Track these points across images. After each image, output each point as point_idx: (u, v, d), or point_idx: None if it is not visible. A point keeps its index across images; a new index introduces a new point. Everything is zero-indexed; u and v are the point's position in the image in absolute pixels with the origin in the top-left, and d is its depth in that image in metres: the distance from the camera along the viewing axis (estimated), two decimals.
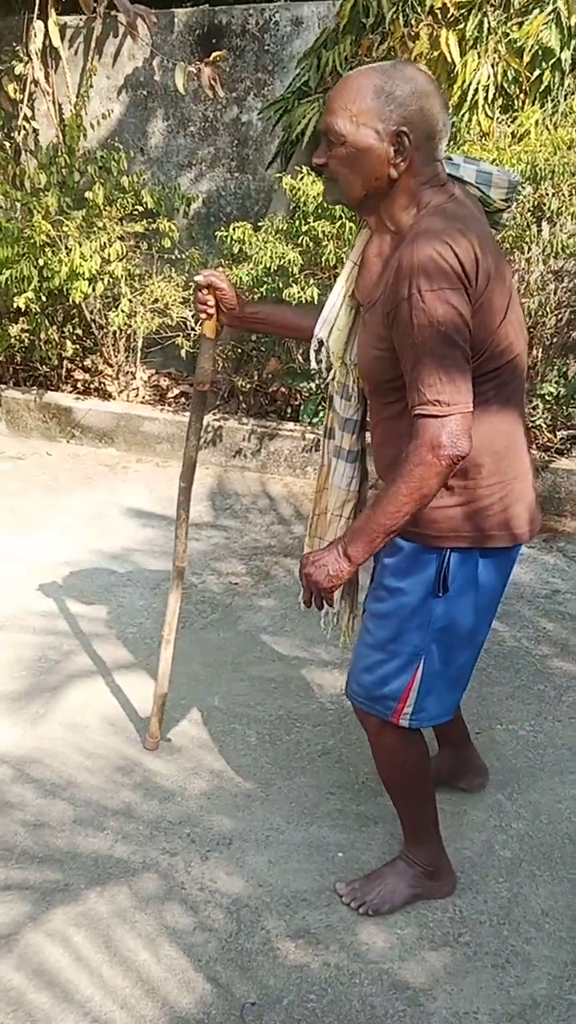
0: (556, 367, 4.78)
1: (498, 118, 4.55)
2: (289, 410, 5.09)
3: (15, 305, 4.87)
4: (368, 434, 2.13)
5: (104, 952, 2.12)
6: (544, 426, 4.58)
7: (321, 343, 2.05)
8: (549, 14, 4.33)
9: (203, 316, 2.34)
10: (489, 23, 4.39)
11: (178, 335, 5.05)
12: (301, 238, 4.43)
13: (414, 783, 2.19)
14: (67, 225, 4.82)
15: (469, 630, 2.00)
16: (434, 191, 1.80)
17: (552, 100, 4.49)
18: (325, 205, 4.31)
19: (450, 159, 1.92)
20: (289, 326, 2.30)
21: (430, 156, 1.78)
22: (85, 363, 5.65)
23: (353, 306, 2.00)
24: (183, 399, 5.41)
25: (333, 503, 2.19)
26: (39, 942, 2.14)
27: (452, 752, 2.58)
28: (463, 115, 4.50)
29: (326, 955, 2.12)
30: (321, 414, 4.76)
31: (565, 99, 4.50)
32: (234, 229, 4.71)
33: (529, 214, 4.41)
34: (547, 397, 4.49)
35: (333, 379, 2.12)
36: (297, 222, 4.48)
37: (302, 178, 4.42)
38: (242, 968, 2.09)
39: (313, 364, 2.11)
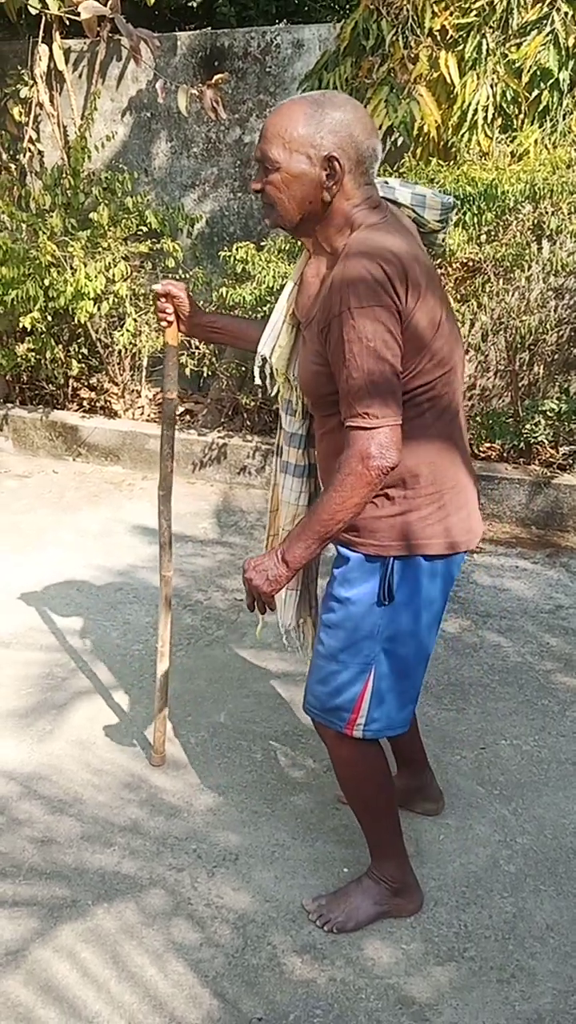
0: (557, 383, 4.81)
1: (497, 138, 4.61)
2: None
3: (21, 325, 4.93)
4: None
5: (111, 968, 2.14)
6: (546, 442, 4.61)
7: (264, 360, 2.13)
8: (547, 35, 4.39)
9: (163, 324, 2.45)
10: (488, 44, 4.46)
11: (183, 353, 5.09)
12: None
13: (375, 796, 2.20)
14: (72, 246, 4.88)
15: (417, 638, 2.05)
16: (367, 213, 1.87)
17: (551, 120, 4.55)
18: None
19: (386, 182, 2.00)
20: (243, 337, 2.36)
21: (361, 180, 1.86)
22: (91, 381, 5.70)
23: (294, 324, 2.07)
24: (188, 416, 5.45)
25: (284, 519, 2.24)
26: (47, 958, 2.16)
27: (409, 775, 2.59)
28: (462, 135, 4.56)
29: (332, 970, 2.14)
30: None
31: (564, 119, 4.56)
32: (237, 249, 4.77)
33: (529, 232, 4.45)
34: (549, 413, 4.52)
35: (278, 395, 2.19)
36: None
37: None
38: (249, 984, 2.10)
39: (257, 379, 2.18)
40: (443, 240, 2.16)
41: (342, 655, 2.04)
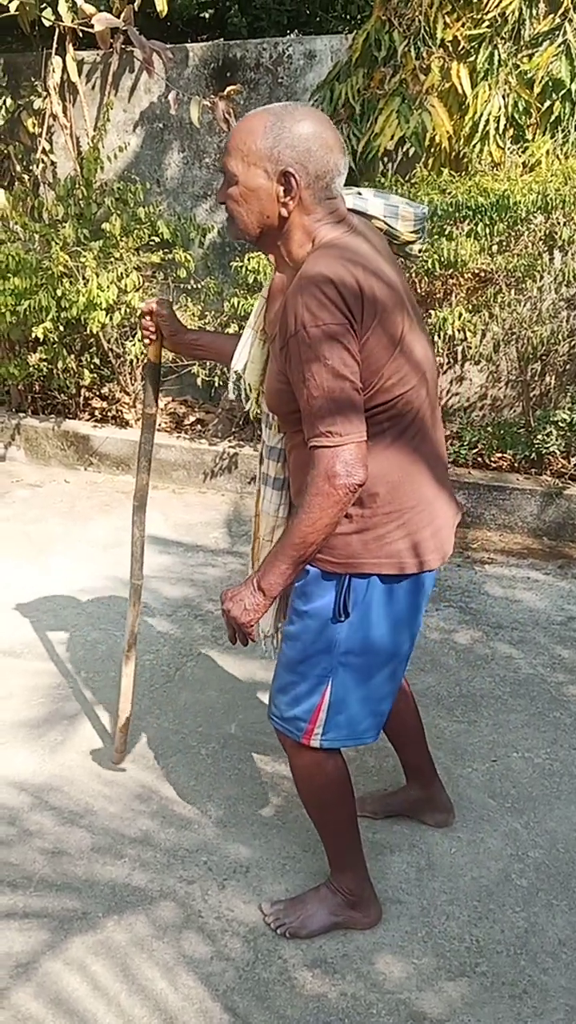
0: (569, 394, 4.80)
1: (509, 148, 4.60)
2: None
3: (33, 335, 4.94)
4: None
5: (122, 981, 2.13)
6: (558, 452, 4.60)
7: (238, 375, 2.14)
8: (559, 46, 4.39)
9: (147, 342, 2.49)
10: (500, 55, 4.46)
11: (194, 364, 5.10)
12: None
13: (334, 806, 2.19)
14: (84, 256, 4.89)
15: (377, 655, 2.03)
16: (329, 227, 1.86)
17: (562, 130, 4.54)
18: None
19: (359, 193, 1.99)
20: (225, 353, 2.36)
21: (322, 195, 1.83)
22: (103, 391, 5.72)
23: (265, 339, 2.07)
24: (199, 426, 5.46)
25: (264, 529, 2.24)
26: (57, 970, 2.16)
27: (418, 786, 2.60)
28: (474, 145, 4.56)
29: (343, 985, 2.13)
30: None
31: (575, 130, 4.54)
32: (249, 259, 4.78)
33: (541, 243, 4.45)
34: (560, 424, 4.51)
35: (253, 409, 2.21)
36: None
37: None
38: (259, 998, 2.09)
39: (231, 394, 2.21)
40: (419, 251, 2.15)
41: (299, 667, 2.05)
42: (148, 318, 2.44)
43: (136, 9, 5.10)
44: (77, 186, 5.42)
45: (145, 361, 2.60)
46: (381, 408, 1.85)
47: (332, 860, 2.27)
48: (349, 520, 1.91)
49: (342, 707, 2.06)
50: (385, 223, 2.01)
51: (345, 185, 1.92)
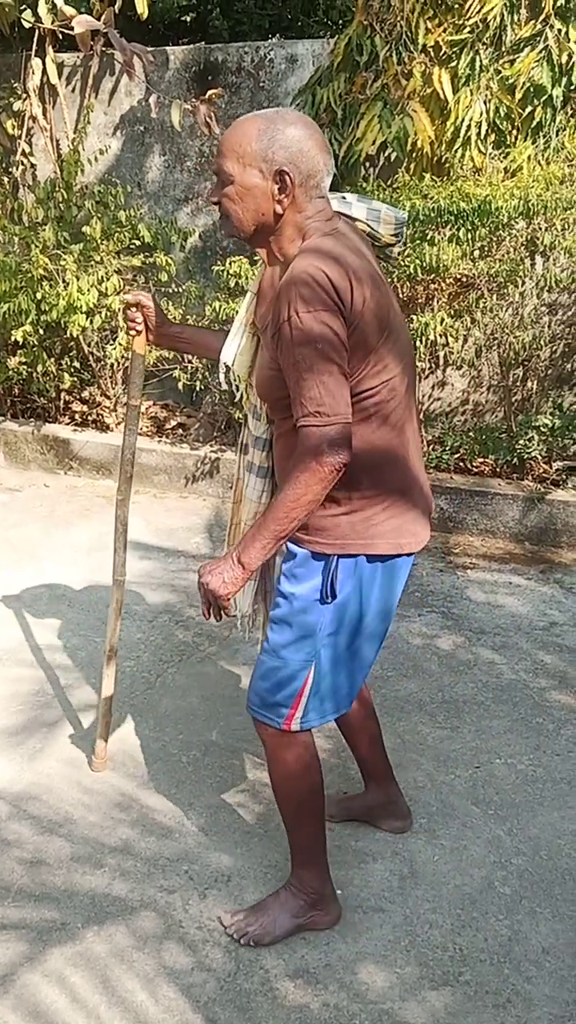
0: (551, 399, 4.81)
1: (491, 154, 4.61)
2: None
3: (13, 338, 4.90)
4: None
5: (102, 993, 2.10)
6: (540, 457, 4.61)
7: (228, 367, 2.20)
8: (540, 52, 4.40)
9: (133, 333, 2.50)
10: (481, 61, 4.46)
11: (175, 367, 5.08)
12: None
13: (306, 798, 2.21)
14: (65, 259, 4.86)
15: (358, 636, 2.10)
16: (319, 224, 1.95)
17: (544, 136, 4.55)
18: None
19: (343, 197, 2.10)
20: (208, 348, 2.43)
21: (313, 193, 1.94)
22: (83, 395, 5.68)
23: (254, 333, 2.16)
24: (180, 430, 5.43)
25: (246, 515, 2.30)
26: (36, 982, 2.12)
27: (376, 791, 2.61)
28: (456, 151, 4.56)
29: (325, 995, 2.11)
30: None
31: (557, 135, 4.56)
32: (231, 263, 4.76)
33: (523, 248, 4.46)
34: (542, 428, 4.51)
35: (244, 400, 2.26)
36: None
37: None
38: (241, 1009, 2.07)
39: (223, 385, 2.25)
40: (398, 253, 2.25)
41: (284, 650, 2.09)
42: (134, 309, 2.46)
43: (116, 11, 5.08)
44: (57, 189, 5.39)
45: (130, 354, 2.59)
46: (368, 393, 1.94)
47: (297, 855, 2.27)
48: (337, 503, 1.98)
49: (322, 691, 2.11)
50: (368, 225, 2.11)
51: (329, 191, 2.01)
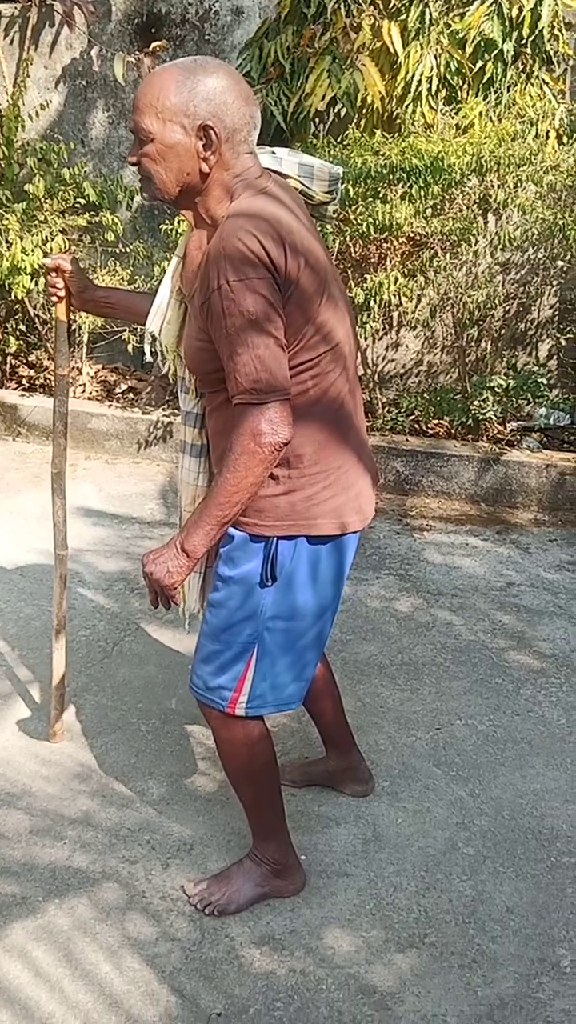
0: (505, 359, 4.80)
1: (442, 110, 4.55)
2: None
3: None
4: None
5: (65, 966, 2.07)
6: (494, 418, 4.60)
7: (154, 337, 2.08)
8: (490, 5, 4.34)
9: (54, 300, 2.40)
10: (431, 14, 4.39)
11: (124, 330, 4.98)
12: None
13: (259, 776, 2.17)
14: (7, 219, 4.73)
15: (303, 619, 2.01)
16: (247, 183, 1.83)
17: (495, 92, 4.50)
18: None
19: (273, 152, 1.98)
20: (138, 312, 2.29)
21: (240, 148, 1.82)
22: (30, 359, 5.56)
23: (181, 300, 2.03)
24: (131, 394, 5.34)
25: (185, 499, 2.19)
26: None
27: (337, 756, 2.58)
28: (407, 107, 4.49)
29: (291, 961, 2.10)
30: None
31: (508, 91, 4.51)
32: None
33: (476, 206, 4.42)
34: (496, 389, 4.50)
35: (171, 372, 2.15)
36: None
37: None
38: (207, 978, 2.05)
39: (148, 356, 2.14)
40: (333, 212, 2.13)
41: (223, 635, 2.01)
42: (54, 274, 2.35)
43: None
44: None
45: (53, 321, 2.50)
46: (306, 365, 1.84)
47: (256, 831, 2.24)
48: (276, 482, 1.89)
49: (267, 673, 2.03)
50: (300, 182, 1.99)
51: (270, 146, 1.90)
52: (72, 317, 2.70)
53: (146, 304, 2.19)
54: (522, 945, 2.15)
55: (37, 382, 5.43)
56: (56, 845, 2.40)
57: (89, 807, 2.53)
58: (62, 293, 2.38)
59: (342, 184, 2.14)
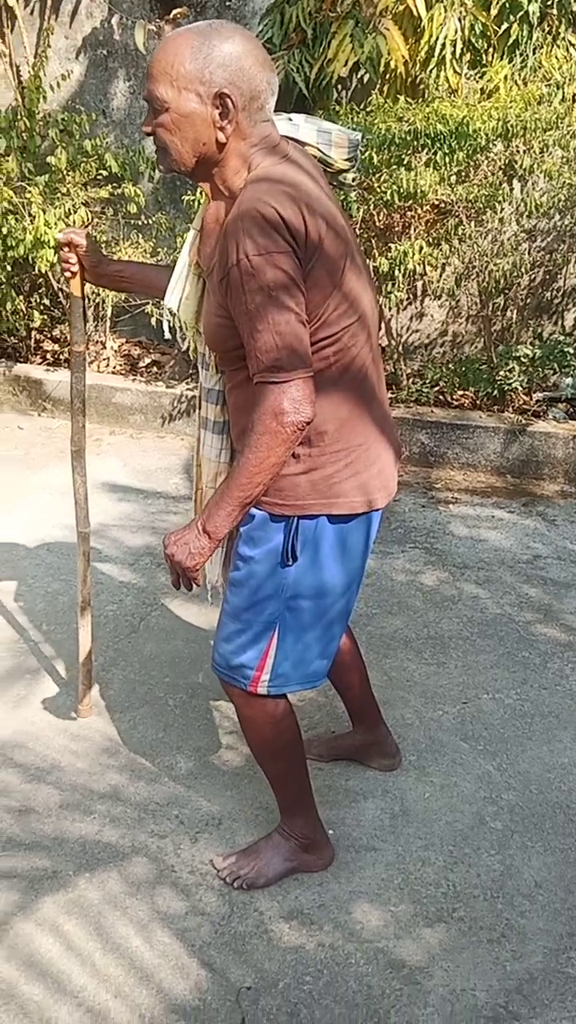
0: (531, 329, 4.74)
1: (466, 74, 4.46)
2: None
3: None
4: None
5: (96, 940, 2.10)
6: (520, 389, 4.55)
7: (172, 313, 2.03)
8: None
9: (67, 275, 2.37)
10: None
11: (147, 303, 4.96)
12: None
13: (284, 753, 2.17)
14: (30, 192, 4.70)
15: (325, 597, 1.99)
16: (265, 153, 1.77)
17: (520, 55, 4.42)
18: None
19: (290, 119, 1.91)
20: (154, 286, 2.26)
21: (257, 117, 1.75)
22: (54, 333, 5.55)
23: (199, 274, 1.97)
24: (155, 368, 5.32)
25: (206, 476, 2.16)
26: (29, 932, 2.11)
27: (363, 730, 2.58)
28: (431, 71, 4.41)
29: (320, 935, 2.11)
30: None
31: (534, 53, 4.42)
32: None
33: (501, 172, 4.35)
34: (522, 359, 4.45)
35: (192, 348, 2.11)
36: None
37: None
38: (236, 952, 2.07)
39: (167, 334, 2.10)
40: (352, 180, 2.06)
41: (245, 614, 2.00)
42: (66, 249, 2.32)
43: None
44: (19, 117, 5.18)
45: (68, 296, 2.47)
46: (328, 341, 1.80)
47: (283, 807, 2.25)
48: (297, 460, 1.86)
49: (289, 652, 2.02)
50: (318, 150, 1.93)
51: (294, 112, 1.83)
52: (88, 292, 2.67)
53: (161, 277, 2.16)
54: (551, 920, 2.15)
55: (61, 357, 5.42)
56: (86, 820, 2.42)
57: (118, 782, 2.55)
58: (76, 268, 2.34)
59: (362, 151, 2.07)
